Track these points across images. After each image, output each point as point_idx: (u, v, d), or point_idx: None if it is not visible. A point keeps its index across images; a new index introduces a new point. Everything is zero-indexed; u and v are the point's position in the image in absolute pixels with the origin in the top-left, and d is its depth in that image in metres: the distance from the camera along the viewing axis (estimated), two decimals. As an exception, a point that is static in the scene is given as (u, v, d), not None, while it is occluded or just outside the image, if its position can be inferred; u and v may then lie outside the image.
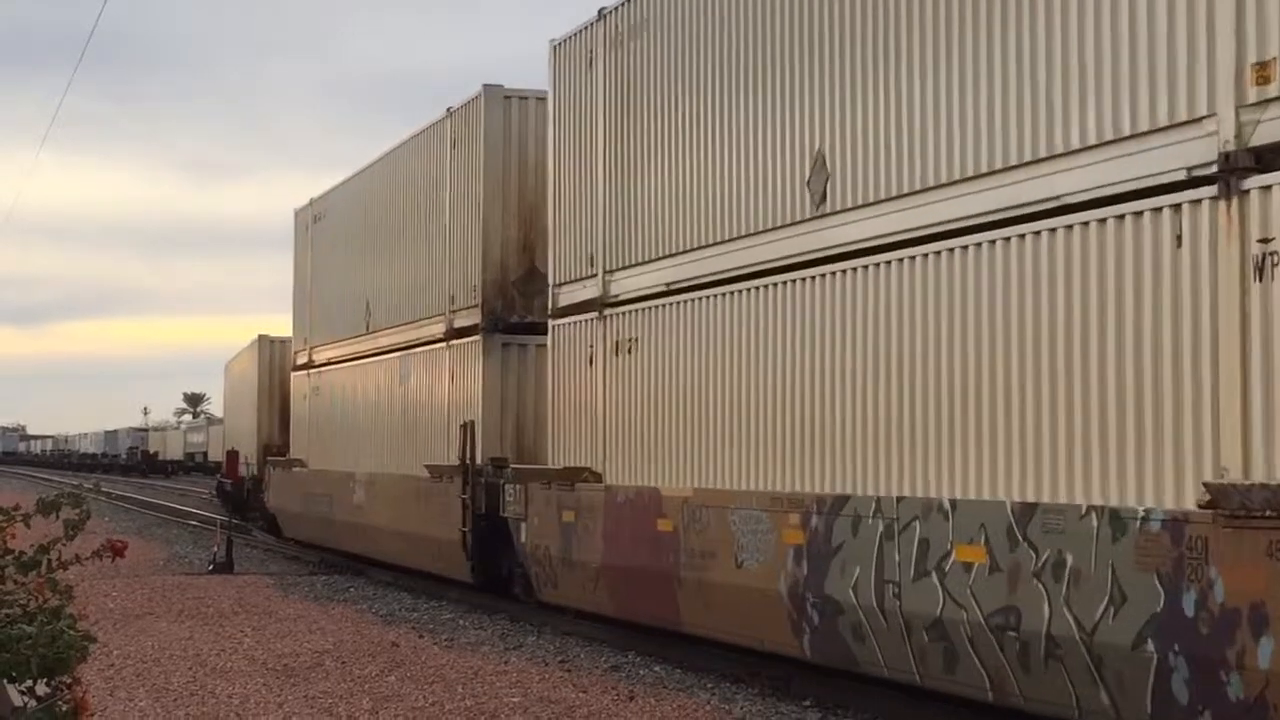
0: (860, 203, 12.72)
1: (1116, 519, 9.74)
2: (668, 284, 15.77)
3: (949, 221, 11.66)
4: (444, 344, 22.52)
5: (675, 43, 15.78)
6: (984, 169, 11.31)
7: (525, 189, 21.11)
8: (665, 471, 15.65)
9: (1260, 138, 9.13)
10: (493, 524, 20.02)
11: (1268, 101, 9.08)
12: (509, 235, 21.13)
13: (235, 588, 24.06)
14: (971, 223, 11.43)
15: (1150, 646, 9.46)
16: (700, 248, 15.18)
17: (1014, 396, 10.87)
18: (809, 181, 13.39)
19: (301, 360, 31.54)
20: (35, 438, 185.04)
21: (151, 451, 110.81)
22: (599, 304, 17.22)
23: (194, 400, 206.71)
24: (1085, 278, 10.30)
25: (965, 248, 11.45)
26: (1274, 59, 9.02)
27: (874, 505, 12.14)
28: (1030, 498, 10.62)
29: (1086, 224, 10.29)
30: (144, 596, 22.48)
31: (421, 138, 24.12)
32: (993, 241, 11.16)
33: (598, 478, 17.06)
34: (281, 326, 36.38)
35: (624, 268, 16.82)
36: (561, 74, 18.57)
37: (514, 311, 21.02)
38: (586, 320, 17.58)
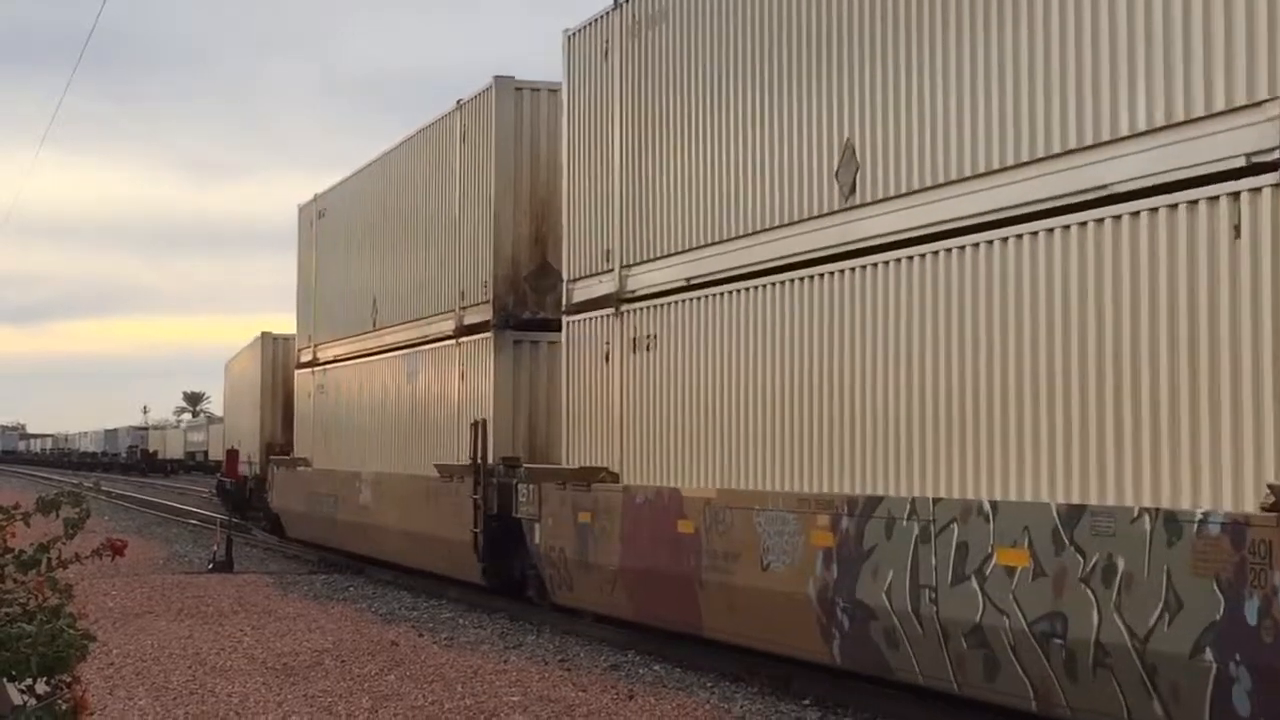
0: (892, 194, 12.28)
1: (1172, 522, 9.31)
2: (688, 279, 15.34)
3: (987, 213, 11.21)
4: (454, 341, 22.10)
5: (697, 30, 15.35)
6: (1025, 158, 10.86)
7: (537, 182, 20.71)
8: (686, 471, 15.22)
9: (1326, 122, 8.71)
10: (505, 525, 19.63)
11: (1334, 84, 8.66)
12: (521, 229, 20.72)
13: (235, 586, 23.98)
14: (1011, 214, 10.99)
15: (1209, 655, 9.03)
16: (723, 241, 14.75)
17: (1058, 394, 10.44)
18: (837, 172, 12.97)
19: (305, 358, 31.13)
20: (35, 436, 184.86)
21: (151, 450, 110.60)
22: (615, 299, 16.80)
23: (193, 399, 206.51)
24: (1135, 270, 9.86)
25: (1005, 239, 11.01)
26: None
27: (908, 507, 11.71)
28: (1076, 499, 10.19)
29: (1136, 214, 9.86)
30: (143, 595, 22.41)
31: (431, 131, 23.70)
32: (1034, 233, 10.72)
33: (615, 478, 16.64)
34: (281, 325, 36.26)
35: (642, 262, 16.39)
36: (576, 64, 18.15)
37: (526, 307, 20.62)
38: (602, 316, 17.17)
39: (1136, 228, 9.86)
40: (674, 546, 15.08)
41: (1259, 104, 9.05)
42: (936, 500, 11.44)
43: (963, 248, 11.42)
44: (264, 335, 37.02)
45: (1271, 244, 8.91)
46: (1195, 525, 9.15)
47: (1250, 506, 8.88)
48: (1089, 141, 10.30)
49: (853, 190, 12.76)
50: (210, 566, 27.39)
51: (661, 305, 15.87)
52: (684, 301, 15.42)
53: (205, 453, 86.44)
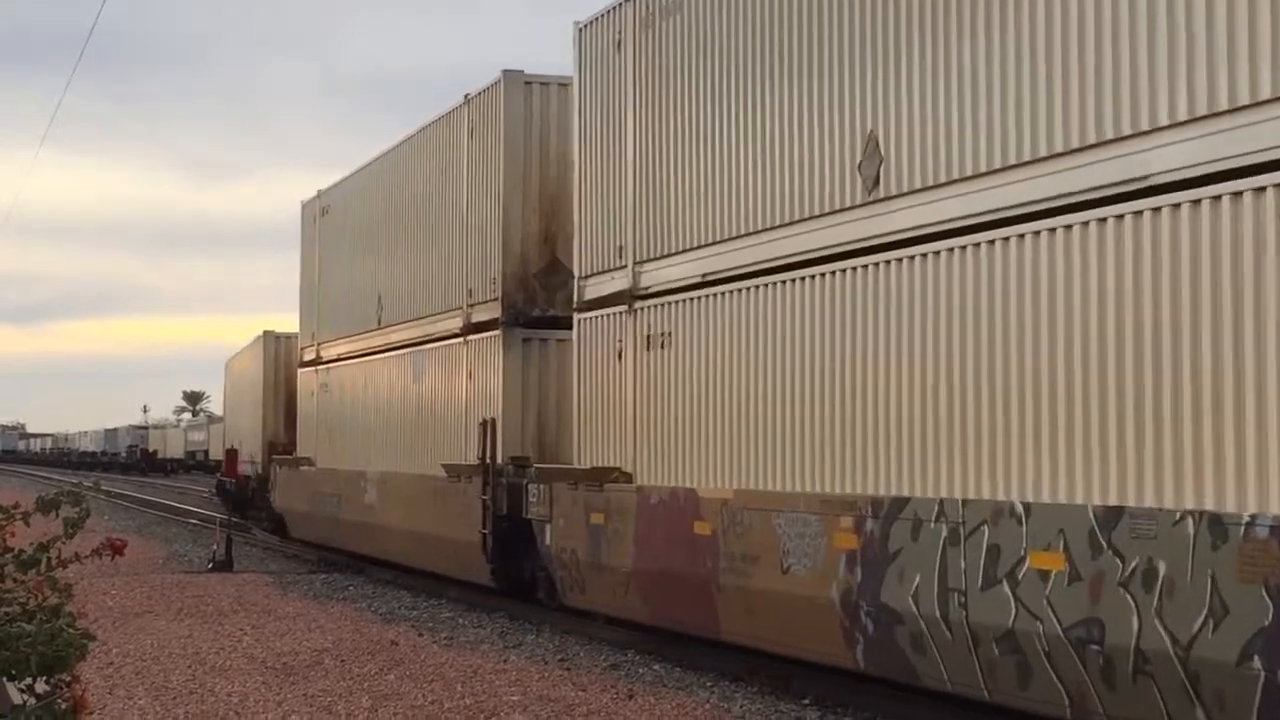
0: (918, 186, 11.95)
1: (1217, 525, 8.99)
2: (704, 275, 15.01)
3: (1018, 206, 10.88)
4: (461, 339, 21.77)
5: (713, 21, 15.02)
6: (1059, 149, 10.52)
7: (546, 178, 20.38)
8: (702, 472, 14.89)
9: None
10: (514, 526, 19.32)
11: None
12: (530, 226, 20.39)
13: (234, 586, 23.86)
14: (1043, 207, 10.66)
15: (1257, 663, 8.71)
16: (740, 236, 14.41)
17: (1094, 392, 10.11)
18: (860, 165, 12.64)
19: (309, 356, 30.81)
20: (35, 436, 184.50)
21: (151, 450, 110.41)
22: (628, 296, 16.47)
23: (193, 399, 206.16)
24: (1175, 263, 9.53)
25: (1037, 233, 10.68)
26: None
27: (936, 508, 11.38)
28: (1114, 501, 9.87)
29: (1177, 206, 9.53)
30: (143, 595, 22.31)
31: (437, 126, 23.36)
32: (1069, 226, 10.39)
33: (628, 478, 16.31)
34: (281, 325, 36.07)
35: (656, 258, 16.06)
36: (588, 57, 17.81)
37: (535, 305, 20.29)
38: (615, 314, 16.83)
39: (1177, 219, 9.53)
40: (690, 548, 14.76)
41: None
42: (966, 502, 11.11)
43: (992, 242, 11.09)
44: (266, 334, 36.72)
45: (1322, 236, 8.59)
46: (1242, 528, 8.83)
47: (1300, 509, 8.56)
48: (1127, 131, 9.96)
49: (876, 183, 12.43)
50: (210, 566, 27.30)
51: (677, 302, 15.54)
52: (700, 298, 15.09)
53: (205, 452, 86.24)
